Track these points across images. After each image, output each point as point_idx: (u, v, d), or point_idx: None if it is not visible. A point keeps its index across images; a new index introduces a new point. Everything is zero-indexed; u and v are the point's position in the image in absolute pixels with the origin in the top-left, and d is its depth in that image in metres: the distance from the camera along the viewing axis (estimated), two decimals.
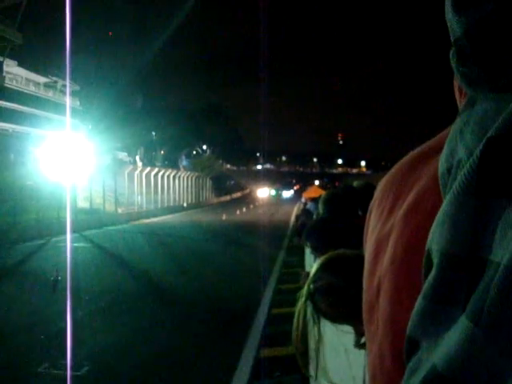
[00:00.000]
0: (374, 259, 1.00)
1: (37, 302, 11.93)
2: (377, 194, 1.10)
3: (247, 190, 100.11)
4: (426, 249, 0.54)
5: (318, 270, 1.65)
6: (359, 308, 1.55)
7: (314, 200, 14.93)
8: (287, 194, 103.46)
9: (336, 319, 1.71)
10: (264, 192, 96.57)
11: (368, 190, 4.17)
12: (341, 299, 1.59)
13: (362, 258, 1.67)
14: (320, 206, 4.30)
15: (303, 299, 1.66)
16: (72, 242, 24.16)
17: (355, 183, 4.44)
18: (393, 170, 1.06)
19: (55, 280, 12.27)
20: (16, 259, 19.09)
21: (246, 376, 7.77)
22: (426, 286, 0.51)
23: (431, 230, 0.53)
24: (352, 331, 1.78)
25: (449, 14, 0.51)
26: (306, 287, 1.66)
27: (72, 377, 7.54)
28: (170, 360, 8.44)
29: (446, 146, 0.57)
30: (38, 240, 24.24)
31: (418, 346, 0.51)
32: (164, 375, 7.77)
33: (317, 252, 3.08)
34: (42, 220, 27.75)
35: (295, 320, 1.69)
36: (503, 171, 0.45)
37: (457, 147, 0.54)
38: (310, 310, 1.66)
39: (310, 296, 1.63)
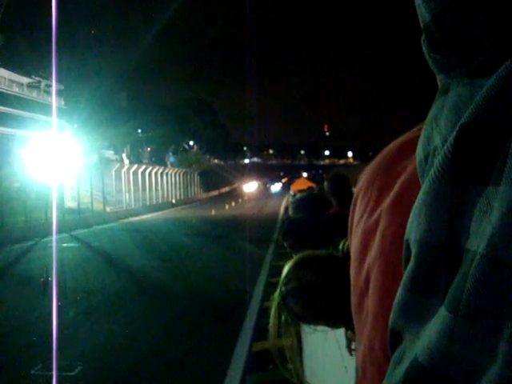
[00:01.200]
0: (362, 251, 1.00)
1: (27, 303, 11.88)
2: (361, 184, 1.08)
3: (235, 185, 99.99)
4: (405, 239, 0.53)
5: (288, 272, 1.63)
6: (332, 306, 1.56)
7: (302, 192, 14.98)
8: (275, 187, 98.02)
9: (310, 320, 1.70)
10: (252, 186, 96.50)
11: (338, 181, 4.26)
12: (313, 299, 1.57)
13: (333, 257, 1.67)
14: (290, 211, 4.34)
15: (275, 303, 1.65)
16: (61, 242, 24.04)
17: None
18: (377, 159, 1.05)
19: (45, 281, 12.21)
20: (5, 261, 18.98)
21: (239, 370, 7.79)
22: (405, 276, 0.51)
23: (409, 220, 0.52)
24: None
25: None
26: (278, 290, 1.64)
27: (65, 377, 7.52)
28: (163, 357, 8.44)
29: (422, 134, 0.56)
30: (27, 241, 24.11)
31: (401, 338, 0.50)
32: (157, 372, 7.78)
33: (294, 251, 3.10)
34: (30, 221, 27.59)
35: (270, 324, 1.69)
36: (477, 157, 0.44)
37: (432, 134, 0.53)
38: (284, 312, 1.65)
39: (283, 299, 1.62)
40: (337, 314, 1.52)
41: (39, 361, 7.96)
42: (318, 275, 1.57)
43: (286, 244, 3.09)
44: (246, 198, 75.06)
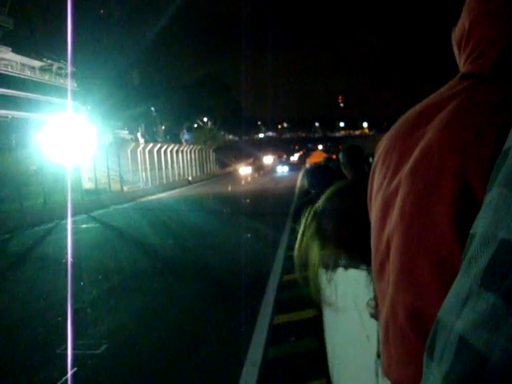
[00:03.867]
0: (382, 217, 0.99)
1: (50, 284, 12.03)
2: (380, 152, 1.07)
3: (251, 160, 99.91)
4: (471, 233, 0.52)
5: (324, 200, 1.67)
6: (360, 233, 1.57)
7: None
8: (282, 168, 74.35)
9: (335, 242, 1.73)
10: (268, 160, 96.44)
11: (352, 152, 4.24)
12: (344, 220, 1.61)
13: (364, 184, 1.71)
14: (304, 182, 4.32)
15: (308, 220, 1.67)
16: (80, 223, 24.27)
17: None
18: (394, 127, 1.04)
19: (66, 262, 12.34)
20: (26, 244, 19.22)
21: (261, 343, 7.85)
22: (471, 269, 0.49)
23: (487, 216, 0.50)
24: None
25: None
26: (311, 211, 1.69)
27: (91, 356, 7.63)
28: (186, 333, 8.52)
29: None
30: (47, 224, 24.36)
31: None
32: (181, 348, 7.86)
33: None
34: (49, 204, 27.82)
35: (297, 245, 1.70)
36: None
37: None
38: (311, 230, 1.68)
39: (315, 216, 1.65)
40: (361, 243, 1.55)
41: (64, 340, 8.07)
42: (351, 200, 1.62)
43: (297, 227, 3.07)
44: (261, 172, 75.09)
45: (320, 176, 3.96)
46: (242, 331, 8.34)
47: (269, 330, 8.41)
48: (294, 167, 69.49)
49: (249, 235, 17.20)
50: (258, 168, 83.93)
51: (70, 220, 25.23)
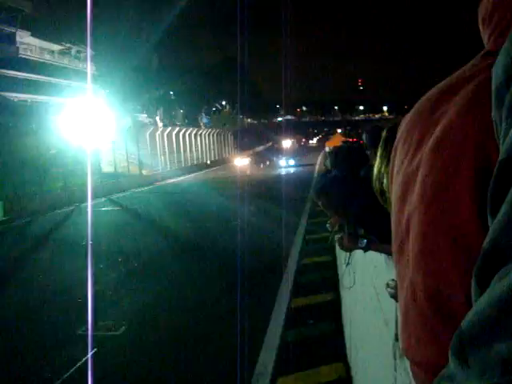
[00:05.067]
0: (403, 196, 0.98)
1: (71, 267, 12.17)
2: (401, 131, 1.07)
3: (269, 143, 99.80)
4: None
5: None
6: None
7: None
8: (286, 161, 53.84)
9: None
10: (287, 143, 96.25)
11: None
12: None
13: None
14: (328, 163, 4.29)
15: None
16: (100, 206, 24.48)
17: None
18: (416, 106, 1.04)
19: (87, 245, 12.47)
20: (47, 227, 19.43)
21: (280, 325, 7.89)
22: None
23: None
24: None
25: None
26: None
27: (111, 337, 7.73)
28: (204, 315, 8.59)
29: (502, 56, 0.54)
30: (67, 207, 24.60)
31: (505, 258, 0.48)
32: (199, 329, 7.92)
33: (328, 210, 3.08)
34: (69, 187, 28.08)
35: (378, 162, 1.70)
36: None
37: None
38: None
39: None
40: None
41: (84, 321, 8.18)
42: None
43: (319, 203, 3.06)
44: (280, 155, 74.96)
45: (346, 157, 3.93)
46: (260, 314, 8.39)
47: (287, 313, 8.46)
48: (303, 162, 49.54)
49: (266, 218, 17.21)
50: (278, 151, 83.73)
51: (89, 203, 25.46)
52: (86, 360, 6.74)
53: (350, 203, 2.72)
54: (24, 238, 18.04)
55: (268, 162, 58.29)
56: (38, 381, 6.44)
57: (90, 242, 12.10)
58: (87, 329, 7.96)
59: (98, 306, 9.01)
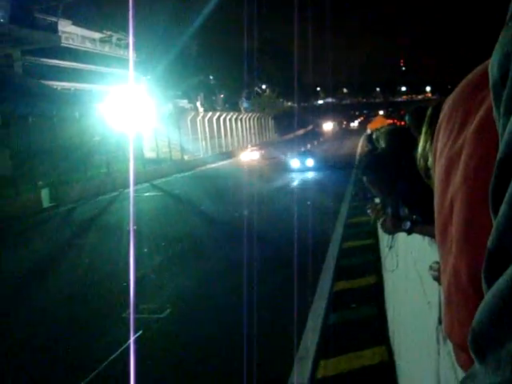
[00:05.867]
0: (446, 178, 0.97)
1: (115, 251, 12.39)
2: (444, 111, 1.06)
3: (310, 127, 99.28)
4: None
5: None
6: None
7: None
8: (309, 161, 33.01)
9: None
10: (327, 127, 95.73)
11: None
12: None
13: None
14: (381, 142, 4.22)
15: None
16: (143, 191, 24.80)
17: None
18: (460, 87, 1.02)
19: (131, 229, 12.66)
20: (92, 212, 19.80)
21: (322, 308, 7.90)
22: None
23: None
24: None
25: None
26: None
27: (156, 320, 7.86)
28: (246, 299, 8.64)
29: (496, 52, 0.54)
30: (111, 192, 25.00)
31: (509, 257, 0.48)
32: (241, 313, 7.98)
33: (372, 186, 3.04)
34: (112, 173, 28.51)
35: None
36: None
37: None
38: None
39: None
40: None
41: (129, 305, 8.33)
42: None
43: (364, 179, 3.03)
44: (321, 139, 74.57)
45: (399, 136, 3.89)
46: (302, 298, 8.40)
47: (329, 297, 8.45)
48: (319, 163, 32.97)
49: (308, 203, 17.16)
50: (319, 134, 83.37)
51: (132, 189, 25.81)
52: (132, 342, 6.87)
53: (397, 181, 2.70)
54: (69, 223, 18.44)
55: (309, 146, 57.94)
56: (85, 362, 6.60)
57: (133, 227, 12.26)
58: (132, 312, 8.10)
59: (142, 290, 9.17)
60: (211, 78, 76.45)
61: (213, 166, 41.47)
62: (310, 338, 6.79)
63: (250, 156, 45.72)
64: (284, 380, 5.76)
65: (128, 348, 6.69)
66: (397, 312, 5.39)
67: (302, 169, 31.24)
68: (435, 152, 1.09)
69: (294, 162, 32.36)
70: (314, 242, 11.27)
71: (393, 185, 2.85)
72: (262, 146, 56.75)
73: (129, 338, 6.97)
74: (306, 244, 10.55)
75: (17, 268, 12.26)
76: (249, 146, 57.80)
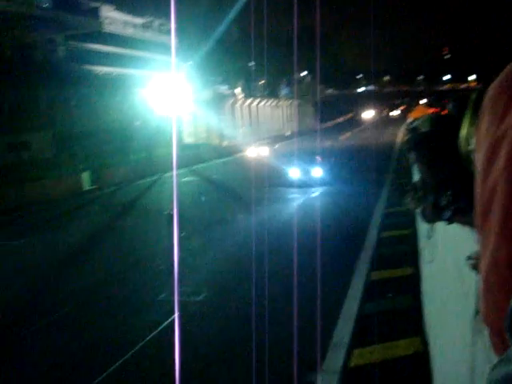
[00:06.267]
0: (488, 162, 0.96)
1: (154, 235, 12.54)
2: (489, 95, 1.04)
3: (350, 114, 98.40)
4: None
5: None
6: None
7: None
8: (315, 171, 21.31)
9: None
10: (368, 115, 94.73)
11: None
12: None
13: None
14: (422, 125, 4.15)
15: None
16: (182, 176, 24.99)
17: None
18: (505, 71, 1.01)
19: (169, 213, 12.79)
20: (132, 196, 20.07)
21: (358, 297, 7.87)
22: None
23: None
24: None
25: None
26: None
27: (192, 303, 7.95)
28: (282, 283, 8.66)
29: None
30: (151, 177, 25.27)
31: None
32: (277, 296, 8.01)
33: (418, 163, 3.00)
34: (152, 157, 28.81)
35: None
36: None
37: None
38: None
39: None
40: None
41: (166, 288, 8.44)
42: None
43: (410, 156, 2.99)
44: (361, 127, 73.87)
45: (441, 122, 3.82)
46: (339, 285, 8.38)
47: (366, 286, 8.41)
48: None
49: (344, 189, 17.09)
50: (358, 123, 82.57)
51: (173, 173, 26.05)
52: (168, 323, 6.96)
53: (444, 163, 2.66)
54: (109, 206, 18.73)
55: (349, 134, 57.43)
56: (123, 342, 6.72)
57: (173, 211, 12.38)
58: (169, 294, 8.21)
59: (179, 273, 9.28)
60: (251, 64, 76.30)
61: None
62: (346, 326, 6.78)
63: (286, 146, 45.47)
64: (317, 366, 5.77)
65: (165, 329, 6.78)
66: (433, 303, 5.34)
67: (304, 182, 20.68)
68: (478, 137, 1.08)
69: (294, 172, 21.71)
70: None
71: (441, 165, 2.81)
72: (297, 135, 56.45)
73: (164, 320, 7.08)
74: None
75: (58, 249, 12.56)
76: (287, 133, 57.54)
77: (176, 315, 7.34)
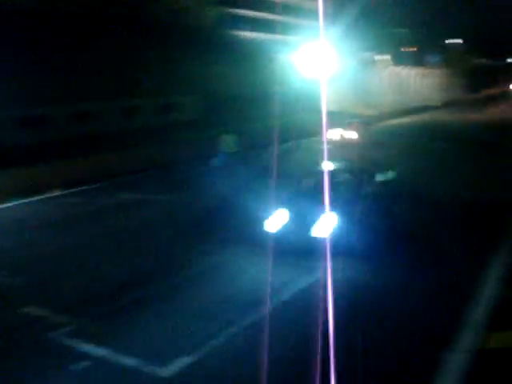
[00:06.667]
0: None
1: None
2: None
3: (503, 87, 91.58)
4: None
5: None
6: None
7: None
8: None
9: None
10: None
11: None
12: None
13: None
14: None
15: None
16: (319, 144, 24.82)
17: None
18: None
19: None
20: (267, 160, 20.14)
21: (497, 279, 7.58)
22: None
23: None
24: None
25: None
26: None
27: None
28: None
29: None
30: (287, 142, 25.12)
31: None
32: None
33: None
34: (301, 122, 28.76)
35: None
36: None
37: None
38: None
39: None
40: None
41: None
42: None
43: None
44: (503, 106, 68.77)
45: None
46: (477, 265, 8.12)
47: (505, 269, 8.05)
48: None
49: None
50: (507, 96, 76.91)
51: (313, 139, 25.99)
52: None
53: None
54: (245, 169, 19.13)
55: (494, 109, 53.51)
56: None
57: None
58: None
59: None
60: (404, 30, 73.51)
61: (395, 121, 40.11)
62: (482, 309, 6.57)
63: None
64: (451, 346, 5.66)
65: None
66: None
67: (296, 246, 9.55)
68: None
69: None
70: None
71: None
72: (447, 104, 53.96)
73: None
74: None
75: (195, 206, 13.61)
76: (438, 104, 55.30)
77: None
